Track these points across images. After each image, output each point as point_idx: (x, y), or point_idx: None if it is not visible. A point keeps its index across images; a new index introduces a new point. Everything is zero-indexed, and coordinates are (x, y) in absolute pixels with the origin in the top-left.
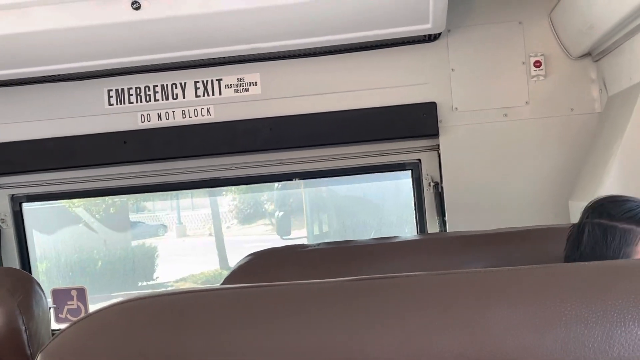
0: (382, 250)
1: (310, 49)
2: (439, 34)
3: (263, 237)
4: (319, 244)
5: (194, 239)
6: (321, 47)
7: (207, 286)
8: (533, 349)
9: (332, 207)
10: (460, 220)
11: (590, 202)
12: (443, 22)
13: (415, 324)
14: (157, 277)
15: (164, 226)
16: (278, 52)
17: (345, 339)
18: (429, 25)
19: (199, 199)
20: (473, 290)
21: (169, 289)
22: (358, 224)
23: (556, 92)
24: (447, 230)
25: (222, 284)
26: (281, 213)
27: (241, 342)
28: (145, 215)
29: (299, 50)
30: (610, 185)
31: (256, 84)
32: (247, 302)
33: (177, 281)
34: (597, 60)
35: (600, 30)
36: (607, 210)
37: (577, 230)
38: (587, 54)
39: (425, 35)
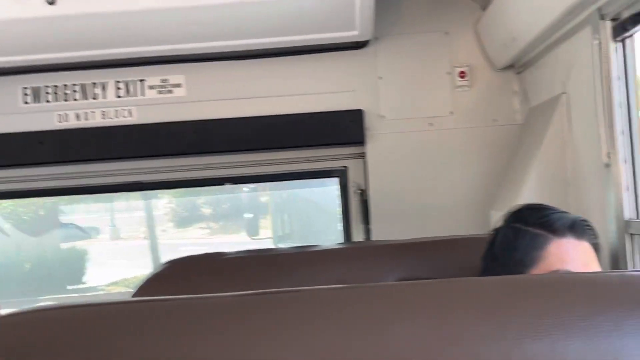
0: (304, 259)
1: (237, 51)
2: (367, 41)
3: (200, 240)
4: (238, 252)
5: (128, 242)
6: (248, 51)
7: (114, 298)
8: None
9: (294, 210)
10: (385, 228)
11: (511, 209)
12: (370, 30)
13: (318, 338)
14: (87, 281)
15: (97, 228)
16: (204, 53)
17: (246, 355)
18: (356, 32)
19: (135, 201)
20: (378, 304)
21: (80, 298)
22: (317, 227)
23: (480, 103)
24: (372, 239)
25: (135, 293)
26: (250, 215)
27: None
28: (77, 217)
29: (226, 52)
30: (527, 195)
31: (181, 86)
32: (153, 317)
33: (108, 285)
34: (519, 73)
35: (522, 42)
36: (524, 216)
37: (494, 234)
38: (511, 66)
39: (353, 42)
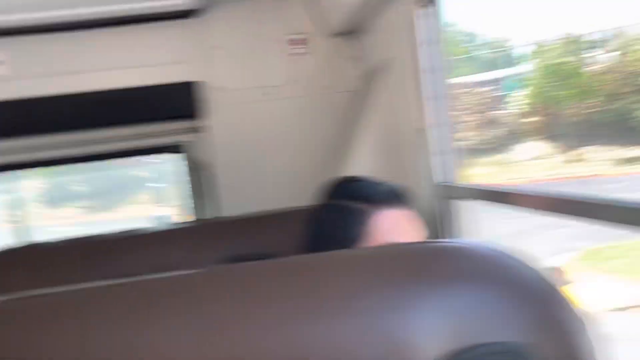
0: (134, 244)
1: (59, 23)
2: (200, 9)
3: (72, 220)
4: (57, 242)
5: None
6: (72, 22)
7: None
8: (257, 347)
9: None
10: (231, 202)
11: (329, 183)
12: None
13: (137, 334)
14: None
15: None
16: (24, 26)
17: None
18: (180, 0)
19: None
20: (192, 291)
21: None
22: None
23: (316, 71)
24: (222, 214)
25: None
26: (161, 185)
27: None
28: None
29: (47, 25)
30: (354, 162)
31: (2, 63)
32: None
33: None
34: (355, 39)
35: (353, 7)
36: (343, 190)
37: (319, 211)
38: (346, 32)
39: (184, 11)
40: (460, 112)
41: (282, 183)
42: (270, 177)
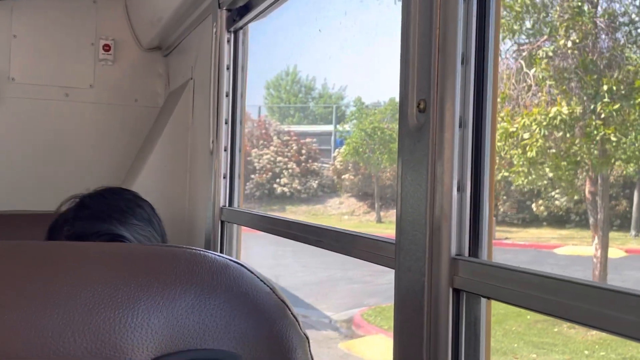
0: None
1: None
2: None
3: None
4: None
5: None
6: None
7: None
8: None
9: None
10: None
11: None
12: None
13: None
14: None
15: None
16: None
17: None
18: None
19: None
20: None
21: None
22: None
23: (123, 80)
24: None
25: None
26: None
27: None
28: None
29: None
30: (148, 179)
31: None
32: None
33: None
34: (165, 55)
35: (165, 23)
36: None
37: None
38: (158, 48)
39: None
40: (286, 159)
41: (66, 185)
42: (52, 179)
